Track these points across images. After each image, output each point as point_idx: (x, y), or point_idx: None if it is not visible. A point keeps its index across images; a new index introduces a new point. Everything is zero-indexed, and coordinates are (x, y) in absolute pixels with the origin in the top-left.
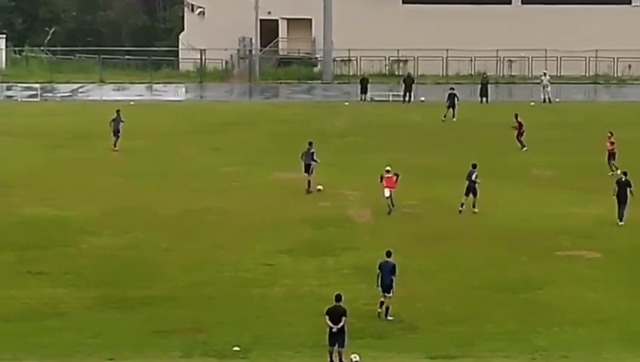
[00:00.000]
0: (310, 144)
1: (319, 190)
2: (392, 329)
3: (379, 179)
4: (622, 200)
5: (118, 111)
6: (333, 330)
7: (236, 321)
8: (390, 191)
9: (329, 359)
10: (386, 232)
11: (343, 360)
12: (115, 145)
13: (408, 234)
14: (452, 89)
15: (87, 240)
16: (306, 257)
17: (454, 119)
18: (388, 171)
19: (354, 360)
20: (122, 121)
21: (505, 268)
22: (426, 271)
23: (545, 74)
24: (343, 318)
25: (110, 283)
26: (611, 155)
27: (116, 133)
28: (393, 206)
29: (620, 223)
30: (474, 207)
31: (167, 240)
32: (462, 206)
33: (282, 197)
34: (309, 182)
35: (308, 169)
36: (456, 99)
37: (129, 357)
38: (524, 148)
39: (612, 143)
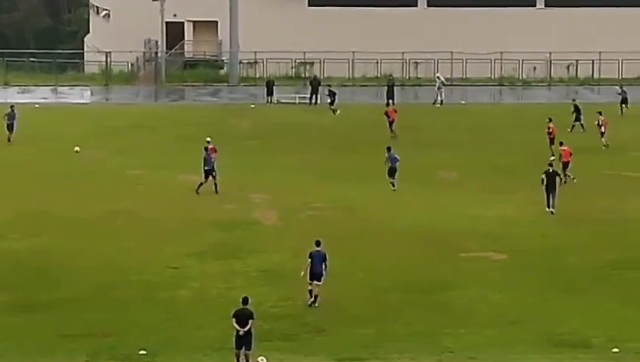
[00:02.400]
0: (206, 149)
1: (77, 151)
2: (299, 331)
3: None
4: (551, 189)
5: (12, 106)
6: (240, 333)
7: (143, 325)
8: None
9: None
10: (293, 234)
11: None
12: (9, 140)
13: (315, 236)
14: (330, 86)
15: None
16: (212, 260)
17: (338, 112)
18: (208, 142)
19: None
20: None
21: (411, 269)
22: (332, 273)
23: (439, 77)
24: (250, 321)
25: (18, 287)
26: (552, 141)
27: (10, 128)
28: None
29: (547, 210)
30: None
31: (74, 243)
32: (393, 186)
33: (189, 200)
34: (215, 185)
35: (207, 174)
36: (335, 96)
37: None
38: (392, 136)
39: (550, 128)
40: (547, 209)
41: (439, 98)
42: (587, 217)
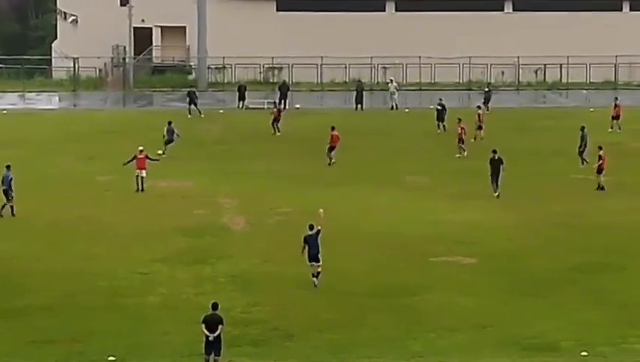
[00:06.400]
0: (8, 167)
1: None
2: (269, 336)
3: (132, 158)
4: (494, 175)
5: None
6: (210, 339)
7: (112, 331)
8: (142, 172)
9: None
10: (262, 240)
11: None
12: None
13: (283, 242)
14: (192, 87)
15: None
16: (181, 266)
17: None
18: (141, 151)
19: None
20: None
21: (380, 274)
22: (301, 278)
23: (392, 81)
24: (220, 326)
25: None
26: (461, 140)
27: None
28: (143, 190)
29: (494, 195)
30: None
31: (41, 249)
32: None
33: (157, 206)
34: (11, 207)
35: (6, 194)
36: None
37: None
38: (278, 133)
39: (462, 128)
40: (494, 194)
41: (393, 103)
42: (553, 221)
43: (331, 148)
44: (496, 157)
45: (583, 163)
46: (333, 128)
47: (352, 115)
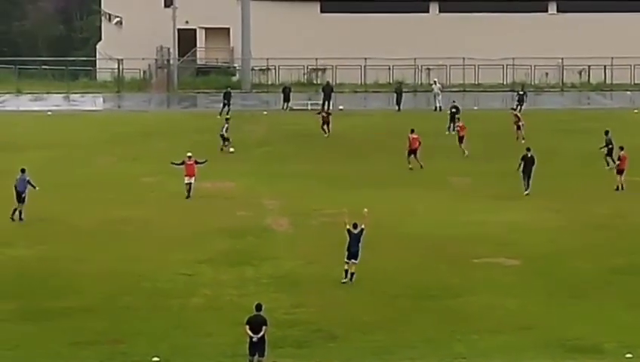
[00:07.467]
0: (23, 171)
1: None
2: (312, 338)
3: (181, 163)
4: (527, 173)
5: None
6: (254, 340)
7: (155, 332)
8: (190, 179)
9: None
10: (305, 241)
11: None
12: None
13: (326, 243)
14: (227, 88)
15: (3, 251)
16: (225, 267)
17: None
18: (190, 157)
19: None
20: None
21: (423, 275)
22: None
23: (435, 82)
24: (264, 327)
25: (27, 295)
26: (460, 139)
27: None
28: (190, 196)
29: (526, 193)
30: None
31: (84, 251)
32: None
33: (201, 207)
34: (20, 211)
35: (20, 197)
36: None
37: None
38: (326, 135)
39: (461, 128)
40: (525, 192)
41: (437, 105)
42: (596, 222)
43: (410, 152)
44: (529, 155)
45: (608, 165)
46: (412, 131)
47: (395, 116)
